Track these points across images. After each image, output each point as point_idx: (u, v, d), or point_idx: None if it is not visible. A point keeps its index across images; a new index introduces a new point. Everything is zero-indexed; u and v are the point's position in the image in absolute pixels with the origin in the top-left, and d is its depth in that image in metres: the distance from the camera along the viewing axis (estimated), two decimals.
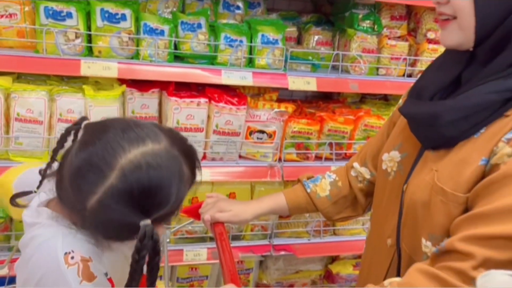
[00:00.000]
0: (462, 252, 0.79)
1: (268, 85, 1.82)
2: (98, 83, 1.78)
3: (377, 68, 2.05)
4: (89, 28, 1.65)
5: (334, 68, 1.94)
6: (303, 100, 2.30)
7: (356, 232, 2.18)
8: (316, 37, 2.10)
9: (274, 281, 2.27)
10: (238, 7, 1.93)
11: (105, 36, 1.64)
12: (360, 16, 2.01)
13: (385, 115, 2.08)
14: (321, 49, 2.07)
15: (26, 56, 1.57)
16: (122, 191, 0.78)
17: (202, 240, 1.98)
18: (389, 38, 2.05)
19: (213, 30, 1.80)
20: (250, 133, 1.85)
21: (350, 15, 2.02)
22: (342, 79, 1.90)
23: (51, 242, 0.83)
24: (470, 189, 0.84)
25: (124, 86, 1.69)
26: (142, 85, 1.76)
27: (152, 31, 1.69)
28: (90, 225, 0.83)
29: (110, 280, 0.87)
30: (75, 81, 1.76)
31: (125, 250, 0.91)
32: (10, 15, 1.62)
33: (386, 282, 0.87)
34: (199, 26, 1.76)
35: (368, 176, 1.24)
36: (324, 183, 1.28)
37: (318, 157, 2.00)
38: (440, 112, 0.88)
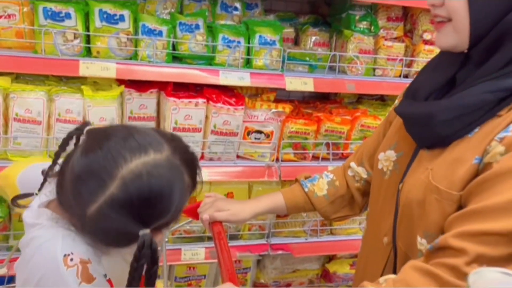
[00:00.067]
0: (456, 248, 0.80)
1: (266, 86, 1.83)
2: (97, 84, 1.79)
3: (374, 69, 2.06)
4: (87, 28, 1.66)
5: (331, 68, 1.96)
6: (300, 100, 2.32)
7: (353, 231, 2.20)
8: (313, 38, 2.11)
9: (272, 280, 2.28)
10: (235, 8, 1.94)
11: (103, 37, 1.65)
12: (357, 17, 2.02)
13: (382, 116, 2.10)
14: (318, 50, 2.08)
15: (25, 57, 1.57)
16: (122, 201, 0.79)
17: (200, 239, 1.99)
18: (385, 39, 2.06)
19: (211, 31, 1.82)
20: (248, 133, 1.87)
21: (347, 16, 2.04)
22: (339, 80, 1.91)
23: (51, 244, 0.84)
24: (464, 187, 0.86)
25: (122, 86, 1.70)
26: (140, 85, 1.77)
27: (150, 32, 1.70)
28: (89, 231, 0.83)
29: (109, 281, 0.88)
30: (74, 81, 1.77)
31: (124, 253, 0.92)
32: (9, 15, 1.62)
33: (381, 279, 0.88)
34: (197, 27, 1.77)
35: (365, 176, 1.25)
36: (322, 183, 1.30)
37: (315, 157, 2.02)
38: (435, 112, 0.89)
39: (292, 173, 1.88)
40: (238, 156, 1.91)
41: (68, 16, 1.61)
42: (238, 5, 1.95)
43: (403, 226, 1.00)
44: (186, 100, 1.74)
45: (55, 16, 1.60)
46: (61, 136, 1.60)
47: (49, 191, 0.91)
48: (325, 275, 2.39)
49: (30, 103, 1.60)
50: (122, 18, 1.66)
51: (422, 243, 0.93)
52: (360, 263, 1.23)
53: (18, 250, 1.01)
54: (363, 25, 2.03)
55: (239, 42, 1.80)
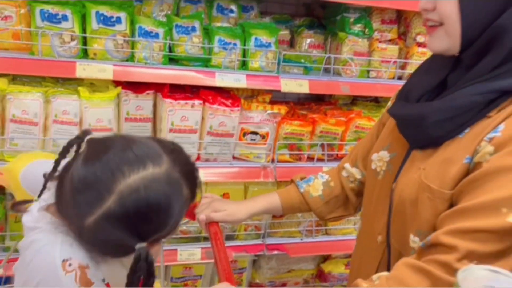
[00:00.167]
0: (447, 245, 0.82)
1: (262, 87, 1.84)
2: (93, 85, 1.80)
3: (368, 71, 2.09)
4: (84, 30, 1.66)
5: (326, 70, 1.98)
6: (295, 102, 2.34)
7: (347, 231, 2.22)
8: (308, 40, 2.13)
9: (267, 280, 2.30)
10: (231, 11, 1.96)
11: (100, 39, 1.66)
12: (352, 19, 2.05)
13: (376, 117, 2.12)
14: (313, 52, 2.10)
15: (22, 58, 1.58)
16: (119, 215, 0.79)
17: (196, 240, 2.00)
18: (379, 42, 2.09)
19: (207, 33, 1.83)
20: (244, 135, 1.88)
21: (341, 19, 2.06)
22: (333, 82, 1.93)
23: (50, 248, 0.84)
24: (455, 186, 0.88)
25: (119, 88, 1.71)
26: (137, 87, 1.78)
27: (147, 34, 1.71)
28: (86, 241, 0.84)
29: (107, 285, 0.89)
30: (70, 82, 1.78)
31: (122, 259, 0.93)
32: (6, 17, 1.63)
33: (375, 276, 0.90)
34: (194, 29, 1.79)
35: (359, 177, 1.27)
36: (317, 183, 1.31)
37: (310, 158, 2.03)
38: (427, 113, 0.92)
39: (288, 174, 1.90)
40: (234, 157, 1.93)
41: (65, 18, 1.62)
42: (234, 7, 1.96)
43: (396, 225, 1.02)
44: (182, 102, 1.75)
45: (52, 18, 1.60)
46: (58, 137, 1.65)
47: (49, 195, 0.92)
48: (320, 275, 2.41)
49: (27, 104, 1.60)
50: (118, 20, 1.67)
51: (415, 241, 0.95)
52: (354, 262, 1.25)
53: (16, 251, 1.02)
54: (357, 27, 2.05)
55: (235, 44, 1.81)
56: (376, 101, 2.43)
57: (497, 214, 0.79)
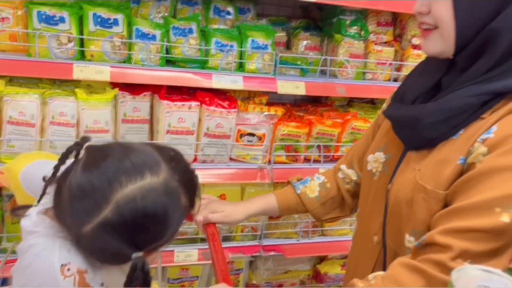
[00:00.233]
0: (441, 244, 0.83)
1: (258, 89, 1.85)
2: (90, 86, 1.80)
3: (364, 73, 2.10)
4: (81, 32, 1.67)
5: (322, 72, 1.99)
6: (292, 103, 2.35)
7: (343, 232, 2.23)
8: (305, 42, 2.15)
9: (264, 281, 2.30)
10: (228, 13, 1.97)
11: (97, 41, 1.66)
12: (348, 22, 2.06)
13: (372, 118, 2.13)
14: (309, 54, 2.11)
15: (19, 60, 1.58)
16: (116, 225, 0.79)
17: (193, 241, 2.00)
18: (375, 44, 2.10)
19: (204, 35, 1.84)
20: (241, 136, 1.89)
21: (337, 21, 2.07)
22: (330, 84, 1.95)
23: (49, 253, 0.84)
24: (449, 187, 0.89)
25: (116, 89, 1.71)
26: (133, 88, 1.78)
27: (144, 36, 1.71)
28: (84, 248, 0.84)
29: None
30: (67, 84, 1.78)
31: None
32: (3, 19, 1.63)
33: (371, 276, 0.91)
34: (191, 31, 1.79)
35: (355, 178, 1.29)
36: (313, 185, 1.32)
37: (306, 159, 2.04)
38: (421, 115, 0.93)
39: (284, 175, 1.91)
40: (231, 159, 1.93)
41: (62, 20, 1.62)
42: (231, 9, 1.97)
43: (392, 225, 1.03)
44: (179, 103, 1.76)
45: (49, 20, 1.61)
46: (55, 139, 1.65)
47: (48, 199, 0.91)
48: (317, 276, 2.41)
49: (24, 106, 1.60)
50: (116, 22, 1.67)
51: (410, 241, 0.97)
52: (350, 262, 1.26)
53: (13, 252, 1.03)
54: (353, 29, 2.07)
55: (232, 46, 1.82)
56: (372, 103, 2.44)
57: (490, 214, 0.81)
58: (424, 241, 0.87)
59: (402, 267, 0.87)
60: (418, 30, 2.11)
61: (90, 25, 1.65)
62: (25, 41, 1.65)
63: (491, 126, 0.87)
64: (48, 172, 0.98)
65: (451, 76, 0.95)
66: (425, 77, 1.01)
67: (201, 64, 1.82)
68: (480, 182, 0.84)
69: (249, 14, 2.06)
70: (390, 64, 2.08)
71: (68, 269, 0.83)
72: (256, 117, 1.88)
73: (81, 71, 1.61)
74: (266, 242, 2.06)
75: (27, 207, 0.96)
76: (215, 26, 1.92)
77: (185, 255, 1.94)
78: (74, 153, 0.89)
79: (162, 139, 1.78)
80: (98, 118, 1.68)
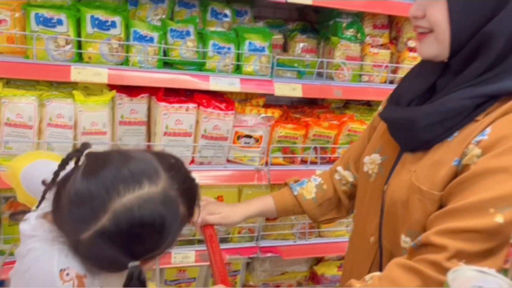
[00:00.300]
0: (437, 245, 0.85)
1: (255, 91, 1.86)
2: (88, 88, 1.80)
3: (360, 75, 2.11)
4: (79, 34, 1.67)
5: (319, 74, 2.00)
6: (288, 105, 2.36)
7: (340, 234, 2.24)
8: (301, 45, 2.16)
9: (261, 282, 2.31)
10: (225, 15, 1.98)
11: (95, 43, 1.67)
12: (344, 24, 2.08)
13: (368, 120, 2.14)
14: (306, 56, 2.13)
15: (17, 62, 1.58)
16: (113, 234, 0.79)
17: (190, 242, 2.00)
18: (371, 46, 2.12)
19: (202, 37, 1.84)
20: (238, 138, 1.90)
21: (334, 24, 2.09)
22: (326, 86, 1.96)
23: (48, 258, 0.84)
24: (444, 188, 0.91)
25: (114, 91, 1.72)
26: (131, 90, 1.79)
27: (141, 38, 1.72)
28: (81, 254, 0.84)
29: None
30: (65, 86, 1.78)
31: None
32: (0, 21, 1.63)
33: (367, 277, 0.92)
34: (188, 33, 1.80)
35: (351, 179, 1.30)
36: (310, 186, 1.34)
37: (303, 161, 2.05)
38: (417, 117, 0.94)
39: (281, 177, 1.92)
40: (228, 160, 1.94)
41: (60, 22, 1.62)
42: (228, 12, 1.98)
43: (388, 226, 1.05)
44: (177, 105, 1.76)
45: (47, 22, 1.61)
46: (52, 141, 1.65)
47: (47, 203, 0.92)
48: (313, 277, 2.42)
49: (22, 108, 1.60)
50: (113, 24, 1.68)
51: (406, 241, 0.98)
52: (347, 263, 1.27)
53: (11, 254, 1.03)
54: (350, 32, 2.08)
55: (229, 48, 1.83)
56: (368, 105, 2.46)
57: (484, 215, 0.82)
58: (420, 241, 0.89)
59: (398, 267, 0.88)
60: (414, 33, 2.14)
61: (88, 27, 1.66)
62: (22, 43, 1.65)
63: (485, 128, 0.88)
64: (48, 175, 0.98)
65: (446, 78, 0.96)
66: (420, 79, 1.02)
67: (199, 66, 1.82)
68: (475, 184, 0.85)
69: (246, 16, 2.07)
70: (386, 66, 2.10)
71: (67, 274, 0.83)
72: (253, 119, 1.88)
73: (78, 73, 1.61)
74: (263, 243, 2.06)
75: (26, 211, 0.96)
76: (212, 29, 1.92)
77: (182, 257, 1.94)
78: (74, 159, 0.90)
79: (160, 141, 1.79)
80: (95, 120, 1.69)
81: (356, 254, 1.19)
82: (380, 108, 1.21)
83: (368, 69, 2.11)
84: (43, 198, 0.93)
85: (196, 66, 1.82)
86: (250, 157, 1.94)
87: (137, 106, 1.80)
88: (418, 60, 1.06)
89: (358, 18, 2.12)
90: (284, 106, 2.25)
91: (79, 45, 1.68)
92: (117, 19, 1.69)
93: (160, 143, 1.79)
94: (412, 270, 0.86)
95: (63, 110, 1.65)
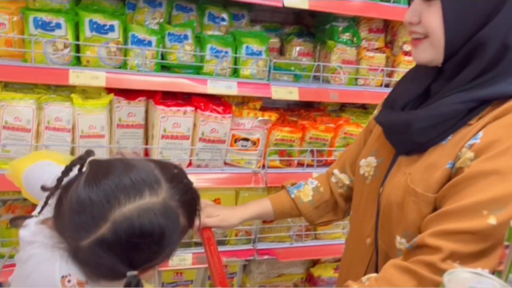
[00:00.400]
0: (432, 246, 0.86)
1: (252, 95, 1.88)
2: (85, 92, 1.81)
3: (356, 79, 2.14)
4: (77, 38, 1.68)
5: (315, 78, 2.02)
6: (285, 108, 2.38)
7: (336, 236, 2.25)
8: (298, 48, 2.18)
9: (258, 284, 2.32)
10: (223, 19, 1.99)
11: (93, 46, 1.68)
12: (340, 28, 2.10)
13: (364, 123, 2.16)
14: (302, 60, 2.15)
15: (15, 65, 1.59)
16: (112, 243, 0.80)
17: (187, 245, 2.01)
18: (367, 50, 2.14)
19: (199, 41, 1.86)
20: (235, 141, 1.91)
21: (330, 28, 2.11)
22: (323, 89, 1.97)
23: (49, 264, 0.84)
24: (439, 190, 0.92)
25: (112, 95, 1.72)
26: (129, 93, 1.80)
27: (139, 42, 1.73)
28: (80, 261, 0.84)
29: None
30: (63, 89, 1.79)
31: None
32: None
33: (364, 278, 0.94)
34: (186, 37, 1.81)
35: (347, 182, 1.31)
36: (307, 189, 1.35)
37: (300, 164, 2.07)
38: (412, 121, 0.96)
39: (278, 180, 1.93)
40: (225, 163, 1.95)
41: (58, 26, 1.63)
42: (225, 15, 2.00)
43: (384, 227, 1.06)
44: (174, 109, 1.77)
45: (45, 26, 1.62)
46: (50, 144, 1.65)
47: (48, 209, 0.92)
48: (310, 279, 2.44)
49: (20, 111, 1.61)
50: (112, 28, 1.69)
51: (401, 243, 0.99)
52: (343, 265, 1.29)
53: (11, 257, 1.03)
54: (346, 36, 2.10)
55: (226, 52, 1.84)
56: (364, 108, 2.48)
57: (478, 216, 0.84)
58: (415, 243, 0.90)
59: (394, 268, 0.90)
60: (409, 37, 2.17)
61: (86, 31, 1.66)
62: (20, 47, 1.66)
63: (477, 132, 0.90)
64: (47, 180, 0.99)
65: (440, 83, 0.98)
66: (415, 84, 1.04)
67: (196, 69, 1.84)
68: (468, 186, 0.87)
69: (243, 20, 2.08)
70: (382, 70, 2.12)
71: (69, 281, 0.83)
72: (251, 122, 1.90)
73: (77, 77, 1.62)
74: (260, 245, 2.07)
75: (26, 217, 0.96)
76: (210, 32, 1.94)
77: (179, 259, 1.95)
78: (77, 166, 0.90)
79: (157, 144, 1.80)
80: (93, 123, 1.70)
81: (352, 256, 1.21)
82: (376, 112, 1.23)
83: (364, 73, 2.13)
84: (45, 204, 0.93)
85: (194, 69, 1.83)
86: (247, 160, 1.95)
87: (135, 109, 1.81)
88: (413, 64, 1.07)
89: (354, 22, 2.14)
90: (280, 109, 2.26)
91: (77, 48, 1.69)
92: (115, 23, 1.69)
93: (158, 146, 1.80)
94: (408, 271, 0.88)
95: (61, 113, 1.66)
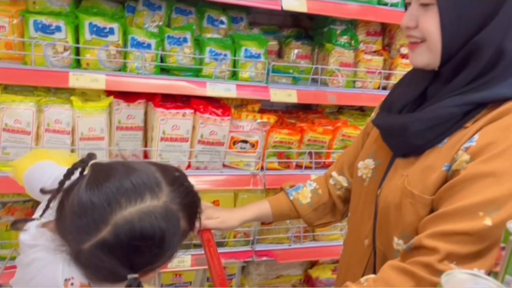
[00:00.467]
0: (429, 247, 0.88)
1: (251, 97, 1.88)
2: (85, 94, 1.82)
3: (354, 81, 2.15)
4: (77, 41, 1.69)
5: (314, 80, 2.03)
6: (283, 110, 2.39)
7: (334, 237, 2.26)
8: (296, 51, 2.19)
9: (256, 286, 2.32)
10: (222, 22, 2.00)
11: (93, 49, 1.69)
12: (338, 31, 2.11)
13: (361, 125, 2.18)
14: (300, 63, 2.16)
15: (15, 68, 1.60)
16: (112, 246, 0.80)
17: (186, 247, 2.01)
18: (365, 53, 2.15)
19: (198, 44, 1.87)
20: (234, 143, 1.92)
21: (328, 31, 2.12)
22: (321, 92, 1.99)
23: (52, 267, 0.85)
24: (435, 192, 0.94)
25: (111, 97, 1.73)
26: (128, 96, 1.81)
27: (139, 45, 1.74)
28: (81, 263, 0.85)
29: None
30: (62, 92, 1.79)
31: None
32: None
33: (363, 279, 0.95)
34: (185, 40, 1.82)
35: (345, 184, 1.33)
36: (306, 191, 1.36)
37: (298, 166, 2.08)
38: (409, 124, 0.98)
39: (277, 181, 1.94)
40: (224, 165, 1.96)
41: (58, 29, 1.64)
42: (224, 18, 2.01)
43: (381, 228, 1.08)
44: (174, 111, 1.78)
45: (45, 29, 1.63)
46: (50, 146, 1.66)
47: (48, 212, 0.93)
48: (308, 281, 2.45)
49: (20, 113, 1.62)
50: (111, 31, 1.70)
51: (399, 244, 1.01)
52: (341, 266, 1.30)
53: (12, 259, 1.04)
54: (343, 39, 2.12)
55: (225, 55, 1.85)
56: (361, 110, 2.49)
57: (474, 218, 0.85)
58: (413, 244, 0.92)
59: (392, 269, 0.91)
60: (406, 40, 2.19)
61: (86, 34, 1.67)
62: (20, 50, 1.66)
63: (473, 135, 0.91)
64: (46, 181, 1.00)
65: (436, 86, 1.00)
66: (412, 87, 1.05)
67: (195, 72, 1.85)
68: (464, 188, 0.88)
69: (242, 23, 2.10)
70: (379, 72, 2.13)
71: (72, 284, 0.83)
72: (249, 125, 1.91)
73: (77, 80, 1.63)
74: (259, 247, 2.08)
75: (28, 220, 0.96)
76: (209, 35, 1.95)
77: (178, 261, 1.95)
78: (79, 169, 0.91)
79: (156, 146, 1.81)
80: (93, 125, 1.70)
81: (350, 257, 1.22)
82: (373, 114, 1.24)
83: (361, 75, 2.14)
84: (47, 207, 0.93)
85: (193, 72, 1.84)
86: (246, 162, 1.96)
87: (134, 112, 1.82)
88: (411, 66, 1.09)
89: (352, 25, 2.15)
90: (279, 111, 2.28)
91: (77, 51, 1.70)
92: (115, 26, 1.70)
93: (157, 148, 1.81)
94: (405, 272, 0.89)
95: (61, 115, 1.67)
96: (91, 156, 0.92)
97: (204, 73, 1.85)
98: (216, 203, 2.00)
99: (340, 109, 2.47)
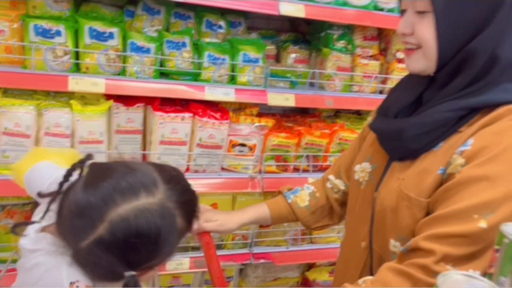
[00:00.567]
0: (425, 249, 0.90)
1: (250, 101, 1.90)
2: (84, 98, 1.83)
3: (351, 85, 2.17)
4: (77, 45, 1.70)
5: (311, 84, 2.05)
6: (281, 114, 2.40)
7: (331, 240, 2.28)
8: (294, 55, 2.21)
9: None
10: (220, 27, 2.02)
11: (92, 53, 1.70)
12: (335, 36, 2.14)
13: (358, 129, 2.20)
14: (298, 67, 2.18)
15: (15, 72, 1.60)
16: (109, 244, 0.81)
17: (184, 249, 2.02)
18: (361, 57, 2.17)
19: (197, 48, 1.88)
20: (232, 146, 1.93)
21: (325, 35, 2.15)
22: (318, 96, 2.01)
23: (56, 271, 0.85)
24: (431, 195, 0.96)
25: (111, 101, 1.74)
26: (127, 99, 1.82)
27: (138, 49, 1.76)
28: (80, 263, 0.85)
29: None
30: (62, 95, 1.80)
31: None
32: None
33: (360, 280, 0.97)
34: (184, 44, 1.84)
35: (342, 187, 1.35)
36: (304, 194, 1.38)
37: (296, 169, 2.10)
38: (405, 128, 0.99)
39: (275, 185, 1.96)
40: (222, 168, 1.97)
41: (58, 33, 1.65)
42: (222, 23, 2.03)
43: (378, 231, 1.09)
44: (172, 115, 1.80)
45: (45, 33, 1.64)
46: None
47: (49, 215, 0.93)
48: (305, 283, 2.46)
49: (20, 117, 1.63)
50: (111, 35, 1.71)
51: (395, 246, 1.02)
52: (338, 268, 1.31)
53: (13, 261, 1.04)
54: (340, 44, 2.14)
55: (224, 59, 1.87)
56: (358, 114, 2.52)
57: (469, 220, 0.87)
58: (409, 246, 0.94)
59: (389, 271, 0.93)
60: (402, 45, 2.21)
61: (86, 38, 1.69)
62: (20, 54, 1.67)
63: (467, 139, 0.93)
64: (45, 182, 1.00)
65: (432, 91, 1.02)
66: (408, 92, 1.07)
67: (194, 76, 1.86)
68: (459, 191, 0.90)
69: (240, 27, 2.11)
70: (376, 77, 2.16)
71: (77, 287, 0.84)
72: (248, 128, 1.93)
73: (76, 83, 1.64)
74: (256, 250, 2.09)
75: (28, 223, 0.97)
76: (208, 40, 1.96)
77: (177, 263, 1.96)
78: (78, 170, 0.92)
79: (155, 149, 1.82)
80: (92, 129, 1.71)
81: (347, 259, 1.23)
82: (370, 118, 1.26)
83: (358, 80, 2.16)
84: (47, 210, 0.93)
85: (192, 76, 1.86)
86: (244, 165, 1.97)
87: (133, 115, 1.83)
88: (407, 71, 1.10)
89: (349, 30, 2.18)
90: (276, 115, 2.29)
91: (77, 55, 1.71)
92: (115, 30, 1.72)
93: (156, 152, 1.82)
94: (402, 273, 0.91)
95: (61, 119, 1.68)
96: (89, 156, 0.93)
97: (203, 77, 1.86)
98: (214, 206, 2.01)
99: (337, 113, 2.49)
